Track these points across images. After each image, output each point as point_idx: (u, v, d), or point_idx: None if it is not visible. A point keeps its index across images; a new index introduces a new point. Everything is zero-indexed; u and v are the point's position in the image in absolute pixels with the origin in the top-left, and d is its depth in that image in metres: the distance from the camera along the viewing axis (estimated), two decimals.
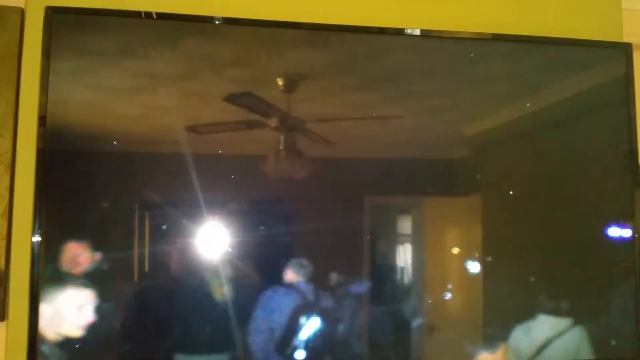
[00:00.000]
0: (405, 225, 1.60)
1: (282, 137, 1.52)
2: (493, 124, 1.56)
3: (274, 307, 1.29)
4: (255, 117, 1.50)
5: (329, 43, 1.47)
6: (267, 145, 1.56)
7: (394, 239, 1.56)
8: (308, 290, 1.31)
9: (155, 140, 1.68)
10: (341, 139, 1.61)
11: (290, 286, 1.30)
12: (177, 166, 1.44)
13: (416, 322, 1.42)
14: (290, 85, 1.52)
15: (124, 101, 1.49)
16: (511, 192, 1.46)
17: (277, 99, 1.48)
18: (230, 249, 1.30)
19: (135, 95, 1.52)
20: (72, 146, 1.38)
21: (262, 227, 1.40)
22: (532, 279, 1.41)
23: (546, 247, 1.46)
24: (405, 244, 1.53)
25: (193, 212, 1.36)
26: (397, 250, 1.53)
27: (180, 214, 1.37)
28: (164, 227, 1.31)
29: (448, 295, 1.43)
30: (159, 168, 1.50)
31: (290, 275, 1.31)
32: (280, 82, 1.51)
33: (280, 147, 1.51)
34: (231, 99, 1.38)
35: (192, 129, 1.49)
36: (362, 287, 1.40)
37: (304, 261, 1.32)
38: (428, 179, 1.56)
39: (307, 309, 1.31)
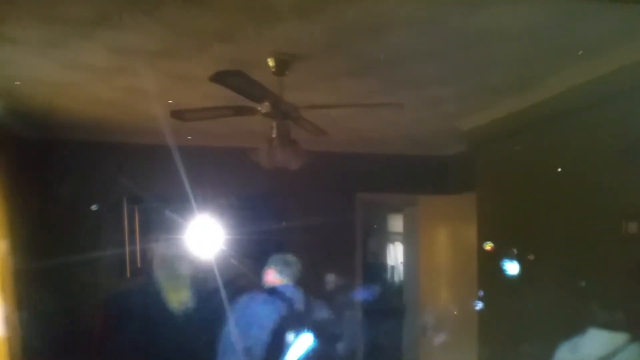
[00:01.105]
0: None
1: (274, 124, 1.31)
2: (521, 106, 1.35)
3: (252, 319, 0.95)
4: (244, 102, 1.30)
5: (323, 18, 1.25)
6: (258, 134, 1.38)
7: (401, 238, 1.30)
8: (296, 296, 0.99)
9: (137, 128, 1.52)
10: (338, 128, 1.42)
11: (273, 292, 0.99)
12: (159, 155, 1.29)
13: (439, 339, 1.12)
14: (282, 67, 1.32)
15: (99, 80, 1.36)
16: (559, 169, 1.22)
17: (268, 84, 1.28)
18: (200, 247, 1.05)
19: (110, 74, 1.37)
20: (30, 128, 1.24)
21: (247, 223, 1.17)
22: (583, 283, 1.11)
23: (584, 243, 1.19)
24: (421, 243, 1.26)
25: (161, 205, 1.16)
26: (414, 250, 1.26)
27: (152, 206, 1.18)
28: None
29: (479, 305, 1.12)
30: (139, 158, 1.34)
31: (272, 276, 1.02)
32: (271, 62, 1.31)
33: (273, 135, 1.30)
34: (218, 77, 1.15)
35: (176, 115, 1.32)
36: (369, 293, 1.10)
37: (290, 257, 0.99)
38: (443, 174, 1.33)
39: (295, 321, 0.96)
